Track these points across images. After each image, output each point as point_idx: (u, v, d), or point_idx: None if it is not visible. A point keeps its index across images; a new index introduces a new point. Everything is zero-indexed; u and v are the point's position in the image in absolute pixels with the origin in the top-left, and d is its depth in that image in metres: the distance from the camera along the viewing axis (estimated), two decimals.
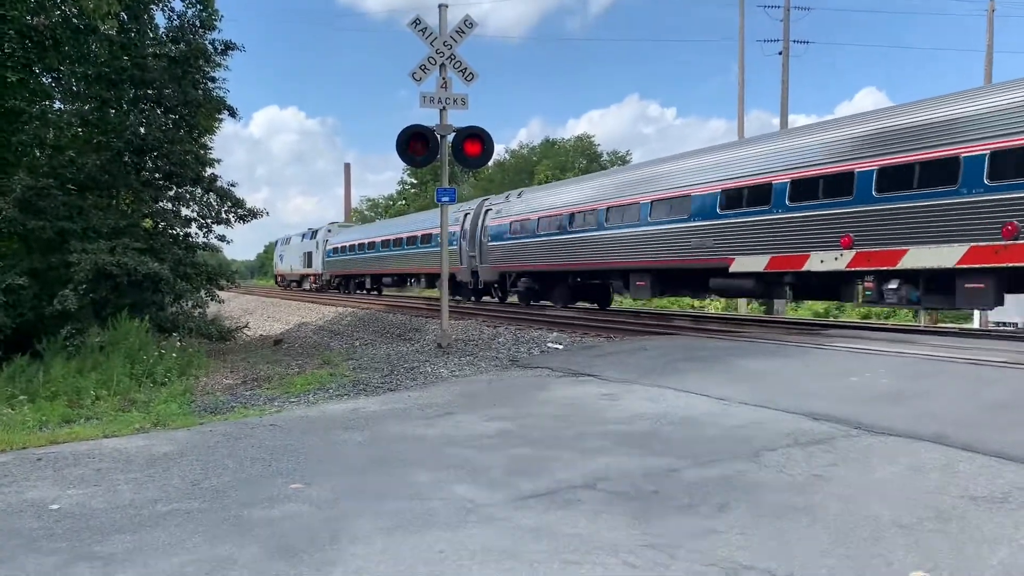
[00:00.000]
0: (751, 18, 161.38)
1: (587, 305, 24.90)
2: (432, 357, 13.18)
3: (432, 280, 32.12)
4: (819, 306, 28.17)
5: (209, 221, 20.25)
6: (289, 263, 55.58)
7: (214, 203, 20.21)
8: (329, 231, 47.88)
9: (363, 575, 3.57)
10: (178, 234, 19.88)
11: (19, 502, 4.92)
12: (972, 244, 11.36)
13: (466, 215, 28.69)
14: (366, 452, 5.99)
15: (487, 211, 27.43)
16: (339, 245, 44.96)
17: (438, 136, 13.82)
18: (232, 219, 20.42)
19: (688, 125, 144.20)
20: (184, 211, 20.15)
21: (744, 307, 29.71)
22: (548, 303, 24.69)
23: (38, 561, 3.85)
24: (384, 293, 39.40)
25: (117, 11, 15.20)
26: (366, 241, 40.76)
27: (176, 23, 19.46)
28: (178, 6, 19.56)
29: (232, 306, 32.71)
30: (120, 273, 15.53)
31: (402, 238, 35.48)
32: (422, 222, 34.42)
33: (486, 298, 29.72)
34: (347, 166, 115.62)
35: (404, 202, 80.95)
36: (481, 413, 7.46)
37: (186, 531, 4.22)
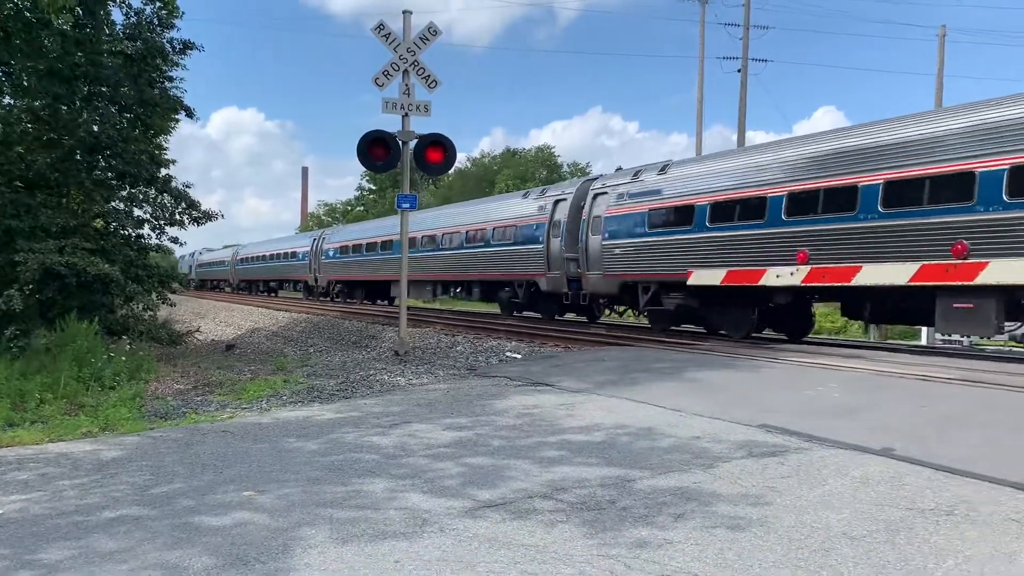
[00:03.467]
0: (712, 36, 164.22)
1: (534, 315, 24.64)
2: (389, 365, 13.10)
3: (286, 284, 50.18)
4: None
5: (162, 223, 19.84)
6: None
7: (168, 204, 19.80)
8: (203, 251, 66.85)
9: None
10: (130, 235, 19.43)
11: None
12: None
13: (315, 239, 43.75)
14: (320, 460, 5.92)
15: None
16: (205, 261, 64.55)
17: (400, 142, 13.78)
18: (186, 221, 20.04)
19: (650, 139, 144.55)
20: (137, 212, 19.70)
21: None
22: None
23: None
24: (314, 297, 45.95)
25: (72, 6, 14.88)
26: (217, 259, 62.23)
27: (134, 20, 19.12)
28: (136, 3, 19.21)
29: (184, 309, 32.09)
30: (68, 274, 15.16)
31: (266, 255, 51.90)
32: (279, 243, 52.52)
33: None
34: (304, 170, 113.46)
35: (362, 208, 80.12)
36: (438, 422, 7.43)
37: (134, 538, 4.12)
